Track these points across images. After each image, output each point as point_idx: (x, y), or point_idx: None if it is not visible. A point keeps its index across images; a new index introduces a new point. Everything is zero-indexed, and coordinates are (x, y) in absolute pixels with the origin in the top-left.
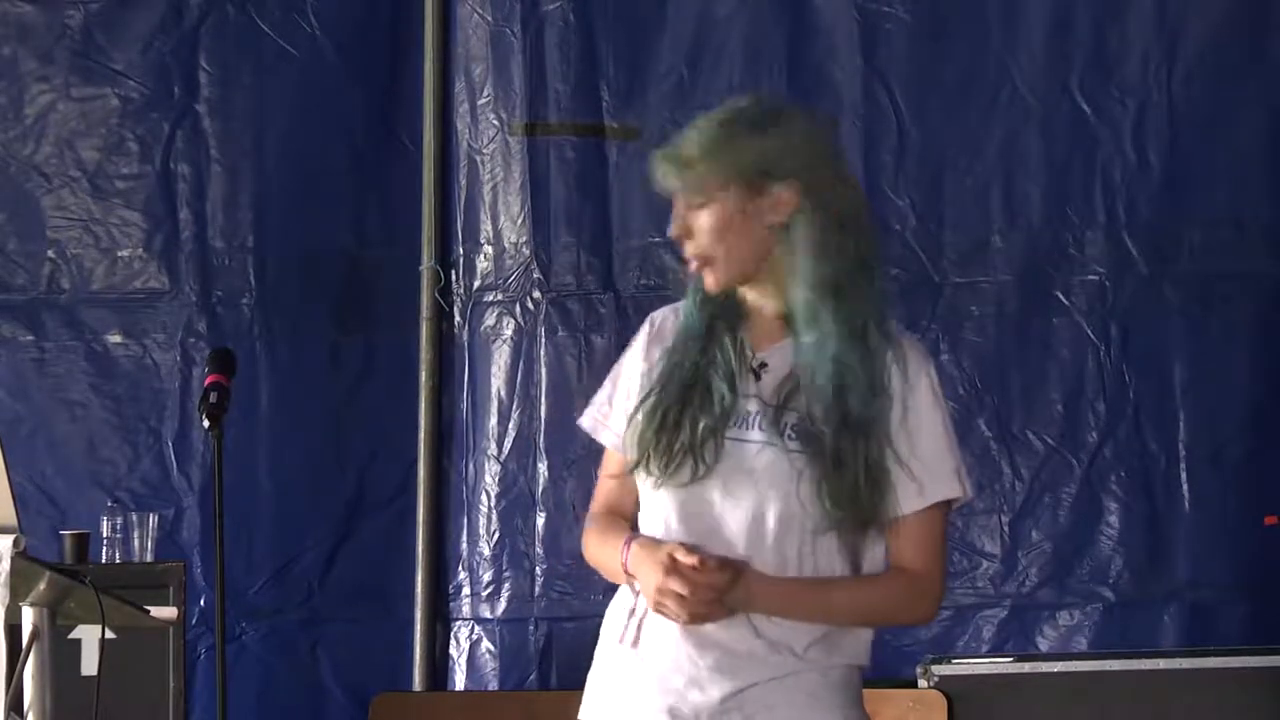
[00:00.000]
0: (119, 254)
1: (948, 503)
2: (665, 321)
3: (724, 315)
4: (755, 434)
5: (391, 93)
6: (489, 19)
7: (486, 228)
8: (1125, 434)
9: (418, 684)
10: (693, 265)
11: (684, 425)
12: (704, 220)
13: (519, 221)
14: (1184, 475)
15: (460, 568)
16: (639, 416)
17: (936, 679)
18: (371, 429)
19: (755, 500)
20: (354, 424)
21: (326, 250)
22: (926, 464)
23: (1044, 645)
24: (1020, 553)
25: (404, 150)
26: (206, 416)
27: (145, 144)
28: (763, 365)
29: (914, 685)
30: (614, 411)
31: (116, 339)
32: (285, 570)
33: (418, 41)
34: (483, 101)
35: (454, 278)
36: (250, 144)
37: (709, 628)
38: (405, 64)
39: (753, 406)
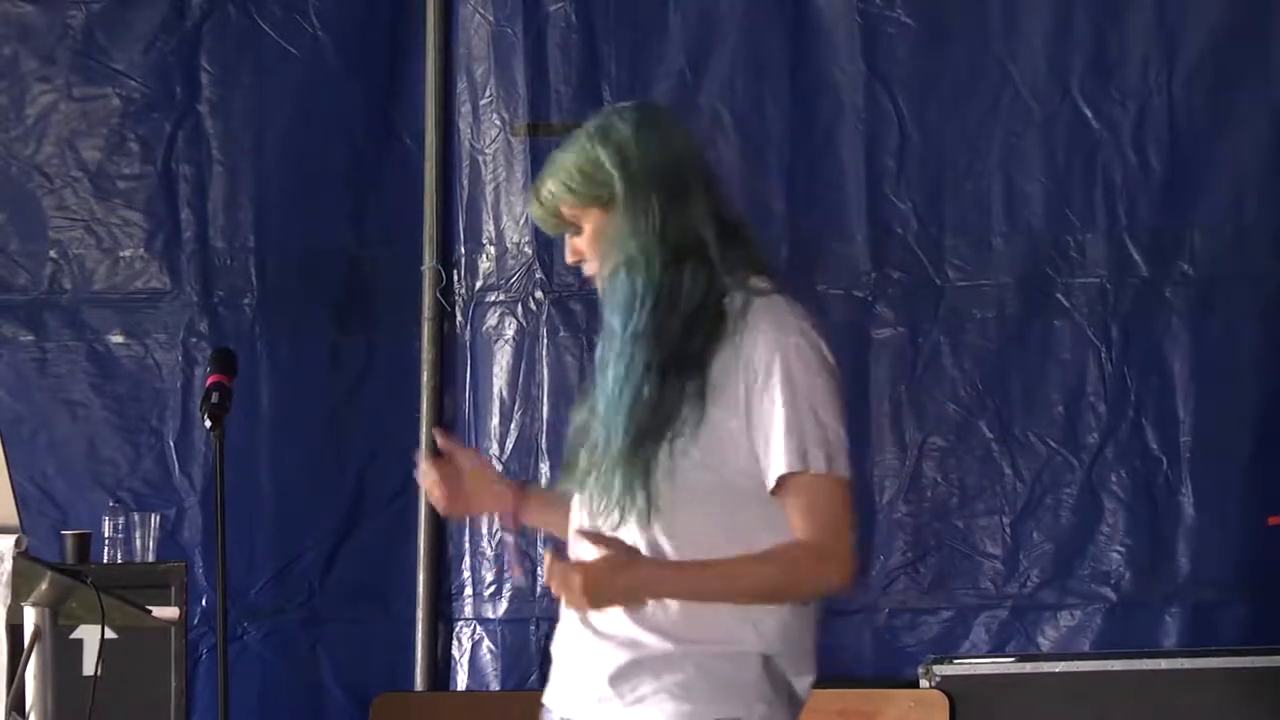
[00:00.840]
0: (120, 254)
1: (817, 476)
2: None
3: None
4: None
5: (393, 93)
6: (491, 19)
7: (489, 228)
8: (1126, 435)
9: (419, 684)
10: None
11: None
12: (588, 242)
13: (521, 221)
14: (1185, 476)
15: (462, 567)
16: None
17: (938, 679)
18: (372, 429)
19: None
20: (355, 424)
21: (328, 250)
22: (765, 441)
23: (1045, 646)
24: (1022, 553)
25: (405, 150)
26: (208, 416)
27: (147, 144)
28: None
29: (916, 685)
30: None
31: (118, 339)
32: (286, 570)
33: (419, 41)
34: (485, 101)
35: (456, 278)
36: (252, 144)
37: (595, 615)
38: (407, 64)
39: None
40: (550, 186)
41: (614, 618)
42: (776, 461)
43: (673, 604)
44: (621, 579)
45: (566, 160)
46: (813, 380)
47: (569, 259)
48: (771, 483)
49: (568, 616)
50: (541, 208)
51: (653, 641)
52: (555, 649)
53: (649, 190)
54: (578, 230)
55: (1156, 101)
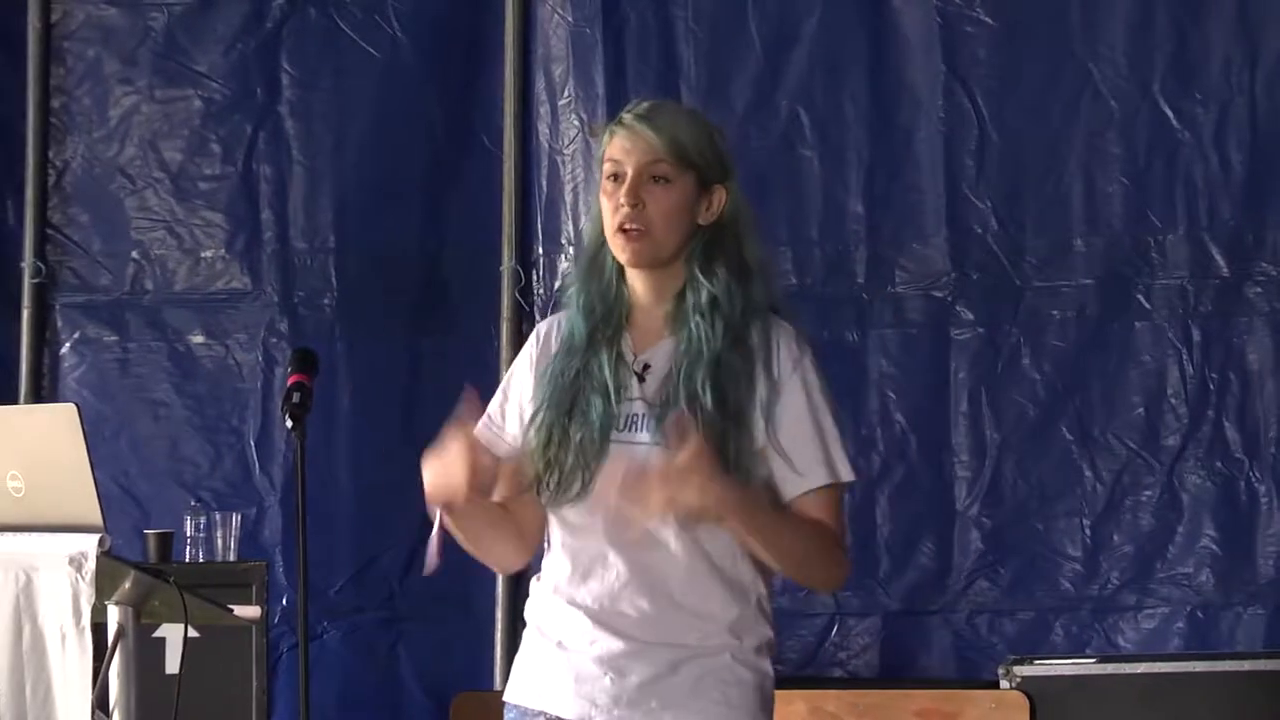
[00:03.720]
0: (202, 255)
1: (836, 485)
2: (551, 331)
3: (605, 322)
4: (643, 435)
5: (472, 93)
6: (569, 19)
7: (567, 228)
8: (1207, 436)
9: (498, 683)
10: (624, 233)
11: (570, 440)
12: (661, 197)
13: None
14: (1266, 477)
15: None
16: (530, 435)
17: (1019, 680)
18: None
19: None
20: (434, 423)
21: (407, 250)
22: (798, 454)
23: (1125, 647)
24: (1101, 555)
25: (484, 151)
26: (289, 416)
27: (227, 145)
28: (646, 367)
29: (995, 686)
30: (506, 422)
31: (199, 339)
32: (366, 569)
33: (498, 42)
34: (563, 102)
35: (534, 278)
36: (331, 145)
37: (624, 612)
38: (485, 65)
39: (639, 409)
40: (672, 129)
41: (651, 622)
42: (811, 474)
43: (711, 607)
44: (726, 486)
45: (690, 122)
46: (825, 392)
47: (626, 199)
48: (798, 493)
49: (568, 618)
50: (655, 135)
51: (692, 643)
52: (560, 651)
53: (737, 208)
54: (660, 181)
55: (1238, 101)
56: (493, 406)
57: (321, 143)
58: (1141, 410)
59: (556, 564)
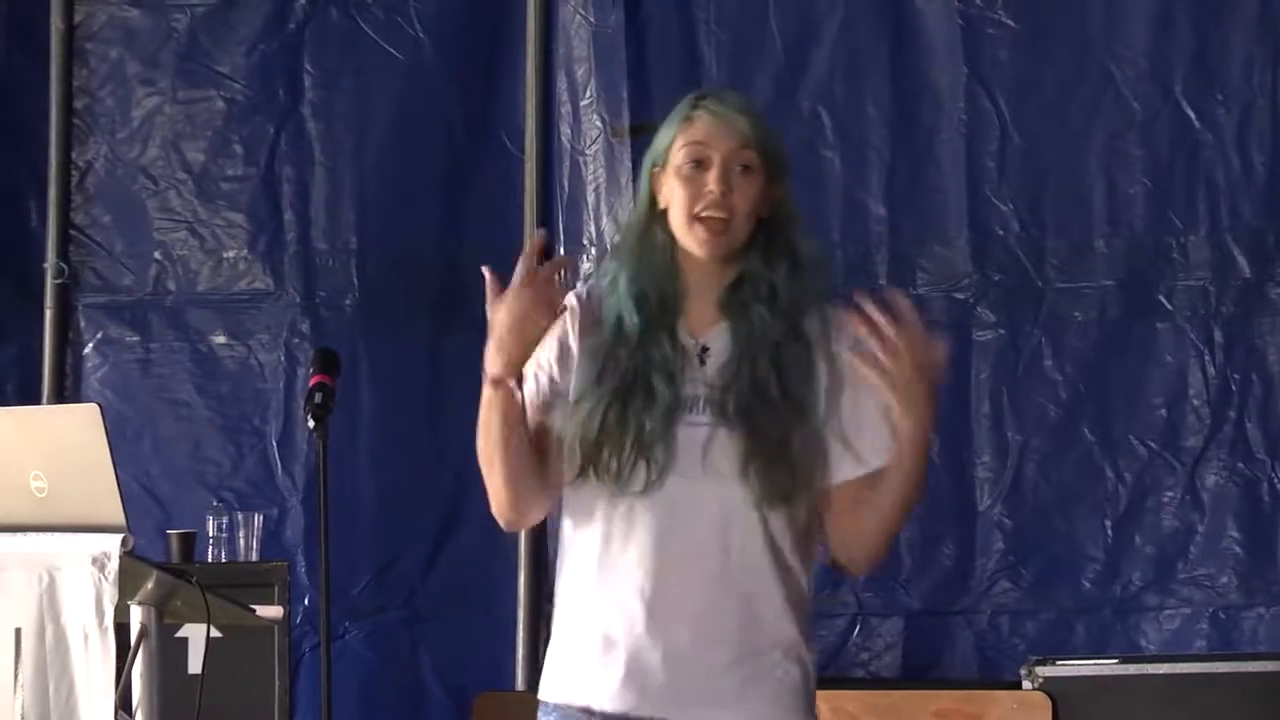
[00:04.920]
0: (224, 255)
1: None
2: (584, 302)
3: (661, 308)
4: (704, 417)
5: (493, 94)
6: (591, 19)
7: (589, 229)
8: (1229, 438)
9: (519, 684)
10: (705, 221)
11: (629, 425)
12: (745, 186)
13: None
14: None
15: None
16: (580, 417)
17: (1041, 680)
18: (472, 428)
19: (719, 496)
20: (455, 423)
21: (429, 251)
22: (860, 440)
23: (1147, 648)
24: (1123, 556)
25: (506, 151)
26: (311, 416)
27: (250, 146)
28: (705, 350)
29: (1018, 686)
30: (542, 370)
31: (221, 339)
32: (388, 570)
33: (520, 43)
34: (585, 103)
35: (557, 279)
36: (353, 146)
37: (678, 603)
38: (507, 65)
39: (700, 391)
40: (757, 118)
41: (704, 613)
42: (871, 459)
43: (766, 598)
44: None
45: (760, 114)
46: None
47: (715, 185)
48: (855, 475)
49: (615, 609)
50: (746, 123)
51: (745, 635)
52: (604, 644)
53: (790, 201)
54: (746, 170)
55: (1260, 102)
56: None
57: (343, 143)
58: (1163, 411)
59: (602, 553)
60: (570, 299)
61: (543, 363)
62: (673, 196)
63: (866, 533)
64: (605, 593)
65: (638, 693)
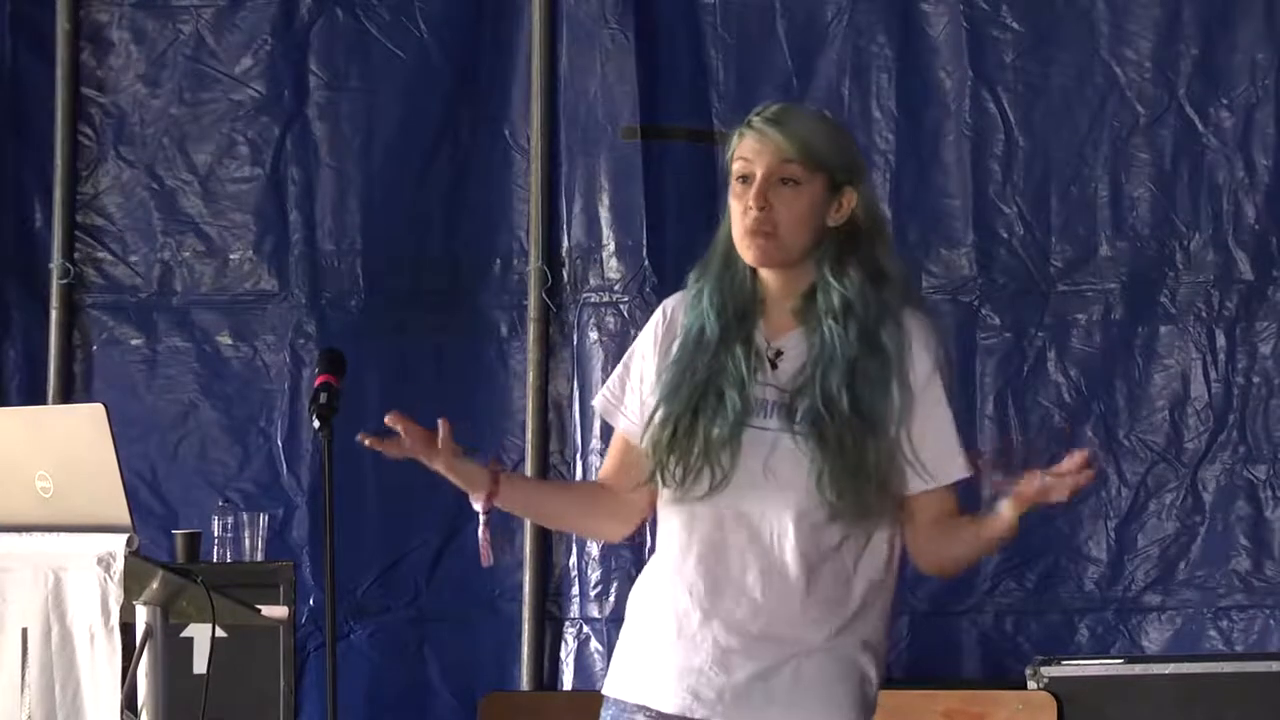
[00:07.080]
0: (229, 256)
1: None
2: (677, 311)
3: (738, 317)
4: (771, 422)
5: (499, 95)
6: (597, 21)
7: (595, 229)
8: (1231, 440)
9: (525, 683)
10: (751, 234)
11: (697, 433)
12: (790, 200)
13: (627, 223)
14: None
15: (568, 566)
16: (654, 424)
17: (1046, 680)
18: (478, 429)
19: (778, 502)
20: (461, 424)
21: (434, 251)
22: (936, 450)
23: (1149, 649)
24: (1126, 557)
25: (512, 152)
26: (317, 417)
27: (255, 147)
28: (779, 354)
29: (1023, 687)
30: (627, 396)
31: (227, 340)
32: (393, 570)
33: (525, 44)
34: (590, 104)
35: (562, 278)
36: (359, 147)
37: (736, 605)
38: (513, 66)
39: (770, 395)
40: (801, 132)
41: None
42: (940, 475)
43: (824, 603)
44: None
45: (820, 124)
46: (952, 389)
47: (755, 201)
48: (924, 490)
49: (677, 610)
50: (784, 138)
51: (801, 639)
52: (664, 643)
53: (869, 209)
54: (790, 183)
55: (1264, 106)
56: (612, 380)
57: (349, 144)
58: (1166, 413)
59: (669, 555)
60: (667, 303)
61: (610, 387)
62: (731, 212)
63: (947, 560)
64: (666, 593)
65: (691, 694)
